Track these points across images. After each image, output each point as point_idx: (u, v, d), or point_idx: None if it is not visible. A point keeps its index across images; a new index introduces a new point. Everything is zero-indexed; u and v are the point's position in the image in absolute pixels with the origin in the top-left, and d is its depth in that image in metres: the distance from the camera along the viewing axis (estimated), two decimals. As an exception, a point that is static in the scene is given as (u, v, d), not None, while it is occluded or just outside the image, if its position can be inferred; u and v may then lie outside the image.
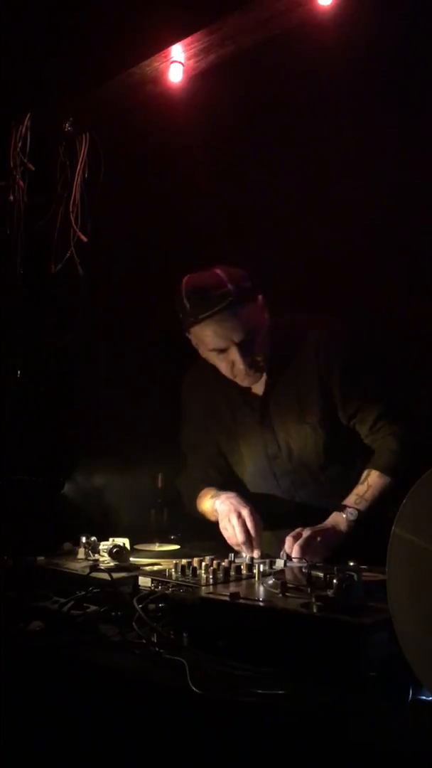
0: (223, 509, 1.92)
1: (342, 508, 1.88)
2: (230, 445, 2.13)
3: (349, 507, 1.86)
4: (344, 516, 1.86)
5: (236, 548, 1.85)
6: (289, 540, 1.78)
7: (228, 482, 2.12)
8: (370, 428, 1.94)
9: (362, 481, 1.90)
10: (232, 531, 1.86)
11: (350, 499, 1.88)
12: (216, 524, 1.95)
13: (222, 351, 1.92)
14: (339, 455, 1.99)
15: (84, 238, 2.56)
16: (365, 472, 1.91)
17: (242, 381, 1.99)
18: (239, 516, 1.86)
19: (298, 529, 1.81)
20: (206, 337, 1.91)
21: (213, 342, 1.91)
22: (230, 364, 1.94)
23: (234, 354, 1.91)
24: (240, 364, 1.92)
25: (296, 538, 1.77)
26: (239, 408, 2.07)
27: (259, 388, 2.03)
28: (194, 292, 1.88)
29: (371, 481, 1.89)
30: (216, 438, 2.14)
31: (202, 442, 2.18)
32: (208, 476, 2.15)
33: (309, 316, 2.05)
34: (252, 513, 1.87)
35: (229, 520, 1.87)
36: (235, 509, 1.88)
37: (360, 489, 1.89)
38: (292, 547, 1.76)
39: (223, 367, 1.96)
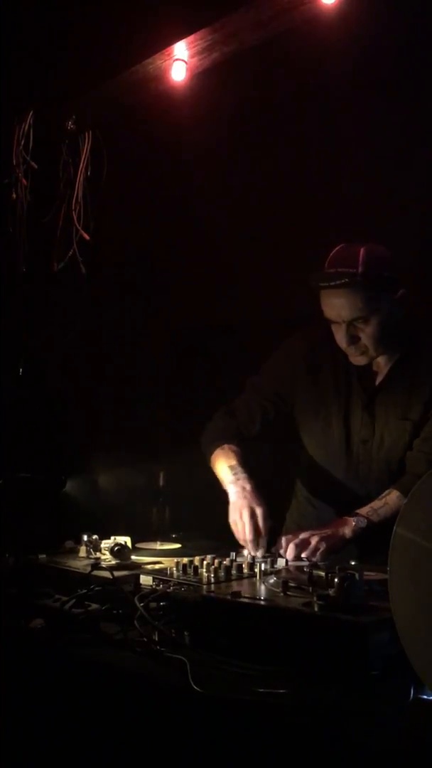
0: (236, 502, 1.91)
1: (353, 515, 1.88)
2: (313, 410, 2.09)
3: (360, 516, 1.87)
4: (353, 522, 1.86)
5: (241, 543, 1.85)
6: (291, 547, 1.78)
7: (256, 437, 2.12)
8: (420, 444, 1.96)
9: (381, 497, 1.92)
10: (242, 527, 1.86)
11: (363, 510, 1.89)
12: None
13: (333, 322, 1.94)
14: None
15: (86, 236, 2.56)
16: (387, 490, 1.93)
17: (352, 358, 1.99)
18: (252, 514, 1.86)
19: (302, 535, 1.81)
20: (324, 305, 1.93)
21: (327, 312, 1.93)
22: (340, 337, 1.95)
23: (341, 330, 1.93)
24: (342, 342, 1.94)
25: (299, 546, 1.78)
26: (348, 384, 2.05)
27: (379, 377, 2.03)
28: (331, 260, 1.91)
29: (389, 499, 1.91)
30: (292, 390, 2.11)
31: (273, 386, 2.14)
32: (248, 420, 2.13)
33: None
34: (265, 513, 1.87)
35: (241, 515, 1.87)
36: (248, 506, 1.87)
37: (376, 503, 1.91)
38: (292, 553, 1.76)
39: (338, 338, 1.97)
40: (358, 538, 1.88)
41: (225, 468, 2.00)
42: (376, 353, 1.96)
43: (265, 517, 1.86)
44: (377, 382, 2.03)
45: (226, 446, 2.06)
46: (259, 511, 1.86)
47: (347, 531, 1.85)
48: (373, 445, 2.01)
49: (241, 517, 1.86)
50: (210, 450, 2.09)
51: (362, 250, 1.87)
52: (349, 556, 1.82)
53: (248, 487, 1.93)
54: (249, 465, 2.03)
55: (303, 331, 2.14)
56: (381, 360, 2.01)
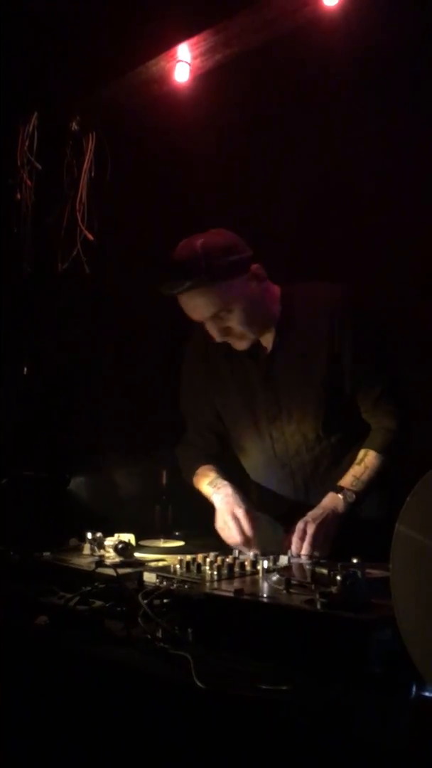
0: (219, 508, 1.92)
1: (339, 490, 1.85)
2: (227, 406, 2.09)
3: (347, 489, 1.84)
4: (341, 498, 1.83)
5: (234, 547, 1.86)
6: (295, 541, 1.77)
7: (226, 451, 2.12)
8: (372, 404, 1.93)
9: (359, 461, 1.88)
10: (228, 532, 1.87)
11: (347, 480, 1.86)
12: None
13: (201, 321, 1.92)
14: (337, 427, 1.96)
15: (90, 237, 2.57)
16: (362, 452, 1.88)
17: (234, 345, 1.97)
18: (234, 517, 1.86)
19: (299, 525, 1.79)
20: (184, 308, 1.92)
21: (190, 314, 1.92)
22: (213, 334, 1.93)
23: (210, 326, 1.91)
24: (217, 337, 1.92)
25: (302, 538, 1.76)
26: (242, 363, 2.03)
27: (267, 343, 1.99)
28: (172, 263, 1.88)
29: (368, 461, 1.86)
30: (213, 400, 2.11)
31: (199, 406, 2.15)
32: (207, 445, 2.14)
33: (324, 284, 2.03)
34: (247, 513, 1.87)
35: (225, 521, 1.88)
36: (230, 510, 1.88)
37: (357, 470, 1.86)
38: (299, 548, 1.75)
39: (212, 334, 1.95)
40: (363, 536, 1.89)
41: (205, 485, 2.03)
42: (253, 335, 1.93)
43: (249, 516, 1.86)
44: (269, 348, 1.98)
45: (201, 468, 2.09)
46: (239, 513, 1.87)
47: (339, 507, 1.83)
48: (282, 421, 1.98)
49: (225, 523, 1.88)
50: (191, 479, 2.11)
51: (199, 245, 1.83)
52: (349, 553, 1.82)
53: (229, 491, 1.94)
54: (230, 475, 2.05)
55: (190, 339, 2.15)
56: (266, 336, 1.97)
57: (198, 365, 2.13)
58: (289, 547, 1.78)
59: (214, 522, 1.94)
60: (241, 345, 1.96)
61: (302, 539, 1.77)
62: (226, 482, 1.99)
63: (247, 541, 1.84)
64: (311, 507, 1.87)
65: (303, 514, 1.85)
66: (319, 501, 1.87)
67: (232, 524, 1.85)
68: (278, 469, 2.03)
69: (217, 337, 1.93)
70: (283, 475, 2.03)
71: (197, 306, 1.87)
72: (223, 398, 2.10)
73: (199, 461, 2.11)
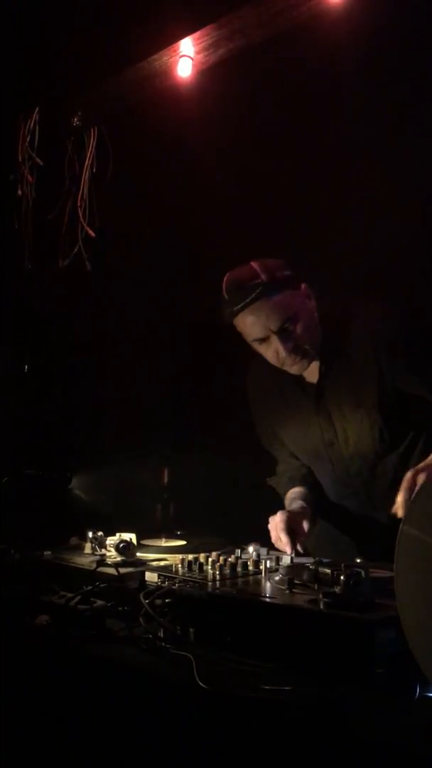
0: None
1: None
2: (287, 435, 2.12)
3: None
4: None
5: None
6: (403, 494, 1.57)
7: (311, 475, 2.13)
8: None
9: None
10: (273, 536, 1.88)
11: None
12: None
13: (263, 340, 1.92)
14: (397, 441, 1.95)
15: (92, 233, 2.56)
16: None
17: (290, 368, 1.97)
18: (277, 521, 1.88)
19: (407, 476, 1.58)
20: (246, 327, 1.92)
21: (253, 332, 1.91)
22: (274, 353, 1.93)
23: (275, 342, 1.90)
24: (282, 351, 1.90)
25: (411, 489, 1.56)
26: (294, 394, 2.05)
27: (312, 376, 2.01)
28: (231, 284, 1.89)
29: None
30: (279, 430, 2.14)
31: (271, 439, 2.19)
32: (292, 468, 2.16)
33: (363, 303, 2.02)
34: (285, 516, 1.87)
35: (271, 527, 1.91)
36: (271, 520, 1.90)
37: None
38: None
39: (270, 356, 1.95)
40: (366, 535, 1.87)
41: (287, 503, 2.07)
42: (314, 351, 1.94)
43: (287, 519, 1.86)
44: (315, 380, 2.00)
45: (288, 494, 2.11)
46: (279, 517, 1.87)
47: None
48: (339, 445, 2.00)
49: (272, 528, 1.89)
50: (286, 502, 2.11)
51: (253, 264, 1.89)
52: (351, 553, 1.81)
53: (292, 505, 1.98)
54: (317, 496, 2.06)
55: (249, 371, 2.16)
56: (312, 364, 1.98)
57: (258, 398, 2.17)
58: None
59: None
60: (300, 367, 1.96)
61: (412, 490, 1.63)
62: (294, 496, 2.01)
63: (289, 543, 1.83)
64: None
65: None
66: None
67: (273, 528, 1.87)
68: (342, 488, 2.05)
69: (281, 353, 1.91)
70: (347, 493, 2.04)
71: (264, 318, 1.87)
72: (282, 427, 2.13)
73: (289, 485, 2.13)
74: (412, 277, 2.46)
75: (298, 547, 1.83)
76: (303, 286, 1.93)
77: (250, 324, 1.89)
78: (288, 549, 1.80)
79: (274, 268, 1.88)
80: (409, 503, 1.56)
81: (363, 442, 1.96)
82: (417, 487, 1.57)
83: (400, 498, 1.60)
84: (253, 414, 2.20)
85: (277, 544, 1.85)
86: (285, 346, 1.89)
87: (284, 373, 2.00)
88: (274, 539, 1.86)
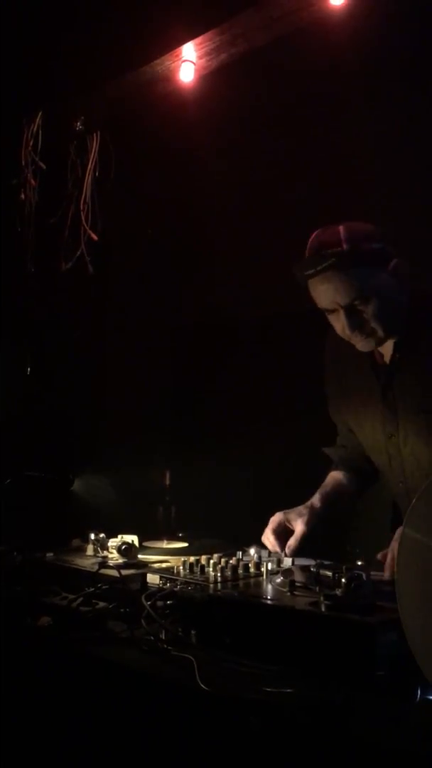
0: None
1: None
2: (352, 416, 2.00)
3: None
4: None
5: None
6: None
7: (361, 461, 2.04)
8: None
9: None
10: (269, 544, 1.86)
11: None
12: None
13: (332, 312, 1.79)
14: None
15: (94, 237, 2.57)
16: None
17: (357, 344, 1.82)
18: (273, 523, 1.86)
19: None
20: (316, 294, 1.78)
21: (321, 301, 1.78)
22: (341, 327, 1.79)
23: (342, 317, 1.77)
24: (346, 329, 1.77)
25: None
26: (366, 374, 1.91)
27: (386, 355, 1.86)
28: (312, 246, 1.76)
29: None
30: (344, 405, 2.03)
31: (336, 410, 2.08)
32: (350, 446, 2.07)
33: None
34: (278, 519, 1.85)
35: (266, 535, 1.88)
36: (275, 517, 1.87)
37: None
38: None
39: (337, 328, 1.81)
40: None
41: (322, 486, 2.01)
42: (384, 334, 1.78)
43: (279, 521, 1.85)
44: (387, 361, 1.86)
45: (331, 474, 2.05)
46: (274, 517, 1.86)
47: None
48: (399, 440, 1.87)
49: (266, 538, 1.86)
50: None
51: (341, 228, 1.73)
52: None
53: (309, 501, 1.93)
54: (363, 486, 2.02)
55: (327, 344, 2.03)
56: (386, 346, 1.84)
57: (332, 371, 2.04)
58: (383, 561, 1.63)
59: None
60: (367, 345, 1.82)
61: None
62: (318, 496, 1.95)
63: (276, 546, 1.82)
64: None
65: None
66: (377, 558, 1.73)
67: (267, 543, 1.85)
68: (395, 484, 1.94)
69: (346, 329, 1.77)
70: (399, 491, 1.93)
71: (336, 288, 1.72)
72: (348, 407, 2.01)
73: (335, 466, 2.07)
74: None
75: (287, 550, 1.80)
76: (393, 262, 1.76)
77: (320, 293, 1.76)
78: (277, 549, 1.79)
79: (361, 237, 1.72)
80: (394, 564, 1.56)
81: (420, 448, 1.84)
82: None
83: (388, 559, 1.58)
84: (326, 380, 2.07)
85: (265, 543, 1.84)
86: (350, 324, 1.76)
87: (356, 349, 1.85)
88: (263, 539, 1.84)
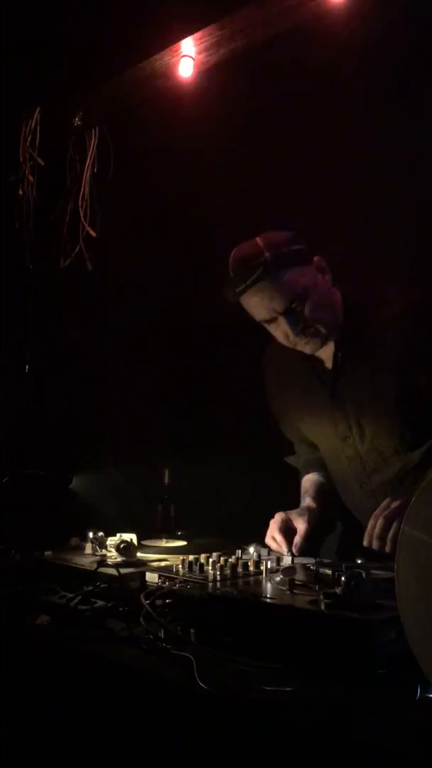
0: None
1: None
2: (303, 424, 2.02)
3: None
4: None
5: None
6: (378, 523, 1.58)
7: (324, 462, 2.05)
8: None
9: None
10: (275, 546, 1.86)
11: None
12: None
13: (271, 321, 1.80)
14: (420, 440, 1.81)
15: (93, 233, 2.56)
16: None
17: (303, 348, 1.84)
18: (276, 523, 1.86)
19: (385, 512, 1.59)
20: (252, 308, 1.80)
21: (259, 313, 1.80)
22: (284, 334, 1.81)
23: (282, 324, 1.78)
24: (291, 334, 1.79)
25: (387, 522, 1.57)
26: (310, 383, 1.93)
27: (328, 361, 1.88)
28: (234, 263, 1.78)
29: None
30: (294, 418, 2.04)
31: (283, 420, 2.09)
32: (307, 452, 2.08)
33: (396, 288, 1.88)
34: (281, 516, 1.86)
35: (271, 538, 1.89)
36: (271, 531, 1.87)
37: None
38: (382, 541, 1.57)
39: (280, 338, 1.83)
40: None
41: (302, 489, 2.02)
42: (327, 330, 1.80)
43: (283, 520, 1.85)
44: (330, 366, 1.87)
45: (306, 476, 2.06)
46: (276, 518, 1.87)
47: None
48: (354, 439, 1.87)
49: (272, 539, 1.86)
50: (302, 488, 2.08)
51: (258, 239, 1.76)
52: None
53: (303, 505, 1.94)
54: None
55: (266, 352, 2.05)
56: (326, 346, 1.85)
57: (275, 380, 2.05)
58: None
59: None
60: (311, 347, 1.84)
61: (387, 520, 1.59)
62: (309, 497, 1.96)
63: (285, 545, 1.82)
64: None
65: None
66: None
67: (274, 544, 1.85)
68: (357, 489, 1.93)
69: (290, 335, 1.79)
70: (362, 495, 1.93)
71: (268, 299, 1.75)
72: (297, 414, 2.02)
73: (305, 470, 2.07)
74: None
75: (294, 548, 1.80)
76: (316, 259, 1.80)
77: (255, 305, 1.78)
78: (283, 549, 1.79)
79: (279, 243, 1.75)
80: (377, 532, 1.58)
81: (380, 438, 1.83)
82: (390, 534, 1.56)
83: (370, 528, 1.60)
84: (268, 397, 2.09)
85: (271, 544, 1.84)
86: (293, 329, 1.77)
87: (301, 357, 1.87)
88: (267, 539, 1.84)
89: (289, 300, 1.75)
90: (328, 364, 1.89)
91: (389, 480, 1.87)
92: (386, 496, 1.78)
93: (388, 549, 1.55)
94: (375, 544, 1.58)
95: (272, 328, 1.83)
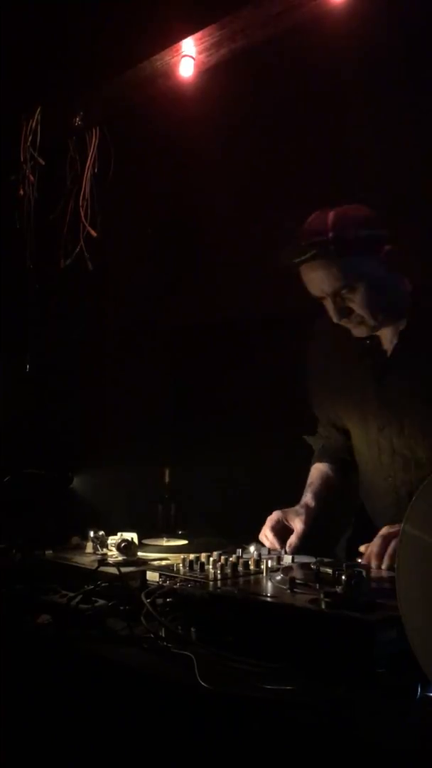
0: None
1: None
2: (343, 405, 1.97)
3: None
4: None
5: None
6: (376, 550, 1.57)
7: (343, 451, 2.02)
8: None
9: None
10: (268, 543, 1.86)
11: None
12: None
13: (321, 299, 1.77)
14: None
15: (93, 233, 2.56)
16: None
17: (352, 330, 1.80)
18: (265, 536, 1.87)
19: (384, 533, 1.58)
20: (306, 281, 1.77)
21: (311, 288, 1.77)
22: (331, 314, 1.78)
23: (329, 304, 1.76)
24: (333, 317, 1.76)
25: (384, 545, 1.56)
26: (359, 364, 1.87)
27: (387, 342, 1.83)
28: (300, 233, 1.74)
29: None
30: (334, 396, 1.99)
31: (320, 398, 2.05)
32: (330, 438, 2.05)
33: None
34: (275, 516, 1.86)
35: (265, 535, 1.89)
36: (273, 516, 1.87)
37: None
38: (379, 559, 1.56)
39: (330, 314, 1.79)
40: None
41: (308, 480, 2.02)
42: (376, 322, 1.76)
43: (278, 518, 1.86)
44: (388, 351, 1.82)
45: (315, 465, 2.05)
46: (273, 516, 1.87)
47: None
48: (391, 432, 1.82)
49: (265, 536, 1.87)
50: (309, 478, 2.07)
51: (331, 214, 1.70)
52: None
53: (302, 501, 1.93)
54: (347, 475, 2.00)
55: (316, 327, 1.99)
56: (387, 331, 1.81)
57: (320, 356, 2.00)
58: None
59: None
60: (359, 331, 1.79)
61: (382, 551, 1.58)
62: (310, 494, 1.95)
63: (276, 544, 1.83)
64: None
65: None
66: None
67: (266, 541, 1.85)
68: (381, 480, 1.90)
69: (335, 317, 1.76)
70: (386, 488, 1.89)
71: (321, 277, 1.71)
72: (336, 398, 1.98)
73: (319, 457, 2.05)
74: None
75: (288, 548, 1.80)
76: (386, 248, 1.73)
77: (310, 280, 1.75)
78: (276, 547, 1.80)
79: (350, 223, 1.69)
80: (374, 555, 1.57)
81: (418, 438, 1.79)
82: (390, 549, 1.56)
83: (369, 551, 1.58)
84: (310, 369, 2.04)
85: (263, 541, 1.85)
86: (337, 313, 1.75)
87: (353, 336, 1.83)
88: (260, 536, 1.85)
89: (339, 286, 1.72)
90: (386, 346, 1.85)
91: (412, 481, 1.83)
92: (408, 496, 1.75)
93: (384, 566, 1.56)
94: (373, 563, 1.59)
95: (326, 304, 1.80)
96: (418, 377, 1.78)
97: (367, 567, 1.36)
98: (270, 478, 2.68)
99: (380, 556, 1.56)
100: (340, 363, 1.94)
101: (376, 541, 1.59)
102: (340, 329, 1.83)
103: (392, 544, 1.55)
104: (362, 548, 1.63)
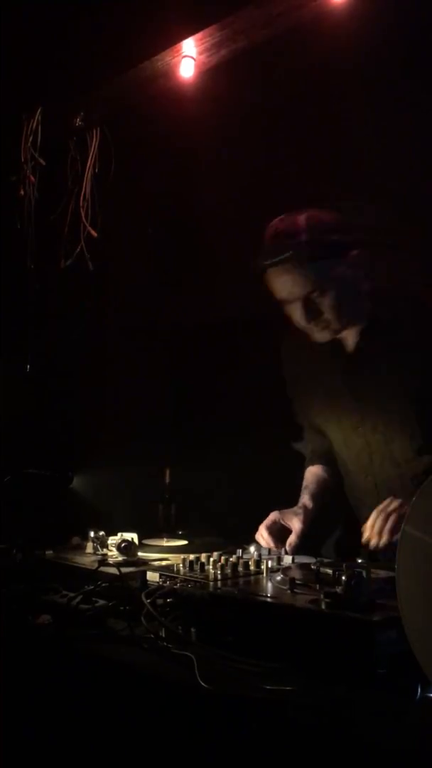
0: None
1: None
2: (317, 409, 2.00)
3: None
4: None
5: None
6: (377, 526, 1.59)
7: (333, 453, 2.03)
8: None
9: None
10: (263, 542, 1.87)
11: None
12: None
13: (289, 303, 1.79)
14: (429, 444, 1.79)
15: (94, 233, 2.56)
16: None
17: (314, 335, 1.84)
18: (261, 535, 1.88)
19: (382, 507, 1.60)
20: (273, 284, 1.79)
21: (278, 291, 1.79)
22: (297, 318, 1.80)
23: (297, 308, 1.77)
24: (301, 320, 1.79)
25: (385, 519, 1.57)
26: (328, 367, 1.91)
27: (349, 342, 1.86)
28: (270, 235, 1.76)
29: None
30: (309, 407, 2.03)
31: (301, 415, 2.08)
32: (316, 441, 2.08)
33: (427, 286, 1.87)
34: (273, 517, 1.86)
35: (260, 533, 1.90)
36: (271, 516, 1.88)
37: None
38: (379, 537, 1.58)
39: (294, 317, 1.82)
40: None
41: (303, 483, 2.03)
42: (340, 325, 1.79)
43: (275, 519, 1.87)
44: (351, 349, 1.86)
45: (309, 468, 2.07)
46: (270, 516, 1.88)
47: None
48: (366, 430, 1.85)
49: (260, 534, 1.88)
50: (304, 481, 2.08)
51: (302, 218, 1.73)
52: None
53: (300, 502, 1.94)
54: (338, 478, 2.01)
55: (286, 336, 2.02)
56: (348, 333, 1.85)
57: (291, 363, 2.04)
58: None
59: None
60: (322, 335, 1.83)
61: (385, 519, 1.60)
62: (307, 495, 1.96)
63: (272, 543, 1.84)
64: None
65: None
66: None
67: (262, 540, 1.86)
68: (361, 479, 1.93)
69: (301, 321, 1.79)
70: (366, 486, 1.92)
71: (293, 280, 1.73)
72: (313, 403, 2.01)
73: (310, 460, 2.08)
74: None
75: (288, 547, 1.81)
76: (354, 252, 1.77)
77: (278, 283, 1.77)
78: (271, 546, 1.81)
79: (322, 227, 1.72)
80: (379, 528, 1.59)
81: (392, 435, 1.82)
82: (389, 525, 1.57)
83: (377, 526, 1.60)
84: (286, 376, 2.07)
85: (259, 541, 1.86)
86: (306, 316, 1.77)
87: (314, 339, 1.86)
88: (256, 536, 1.86)
89: (310, 289, 1.74)
90: (348, 347, 1.87)
91: (395, 478, 1.86)
92: (389, 492, 1.78)
93: (383, 542, 1.56)
94: (372, 539, 1.59)
95: (290, 309, 1.81)
96: (383, 374, 1.81)
97: (367, 567, 1.35)
98: (270, 479, 2.69)
99: (380, 533, 1.58)
100: (308, 368, 1.98)
101: (378, 517, 1.61)
102: (303, 334, 1.86)
103: (391, 519, 1.57)
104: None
